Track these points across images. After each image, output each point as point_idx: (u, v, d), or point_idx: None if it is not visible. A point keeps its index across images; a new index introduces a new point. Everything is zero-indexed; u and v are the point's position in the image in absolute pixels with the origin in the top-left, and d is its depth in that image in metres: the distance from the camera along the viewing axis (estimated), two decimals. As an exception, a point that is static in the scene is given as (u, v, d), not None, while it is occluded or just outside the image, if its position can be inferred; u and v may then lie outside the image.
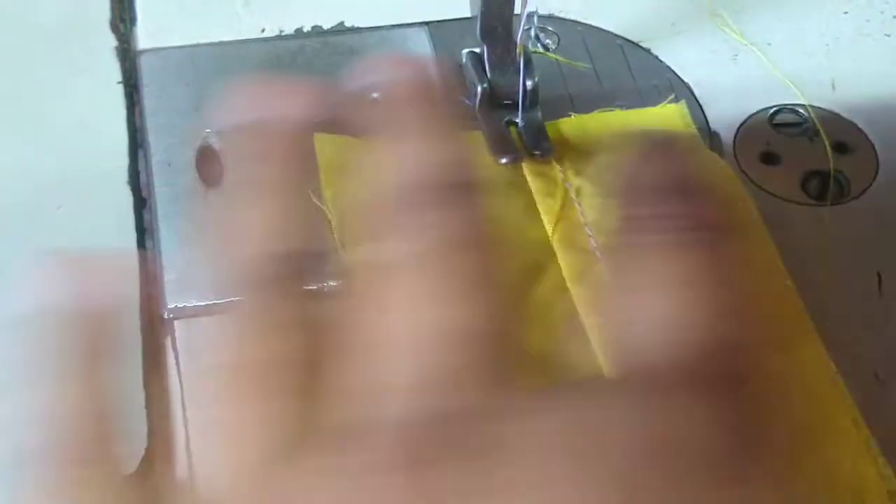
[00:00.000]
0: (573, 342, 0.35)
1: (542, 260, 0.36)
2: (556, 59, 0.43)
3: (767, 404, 0.32)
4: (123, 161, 0.39)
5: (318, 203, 0.38)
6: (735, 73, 0.44)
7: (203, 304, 0.36)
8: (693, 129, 0.41)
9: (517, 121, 0.39)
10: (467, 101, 0.41)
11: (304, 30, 0.44)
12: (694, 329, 0.22)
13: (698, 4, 0.46)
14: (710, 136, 0.41)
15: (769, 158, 0.41)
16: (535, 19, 0.40)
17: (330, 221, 0.37)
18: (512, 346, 0.21)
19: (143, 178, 0.39)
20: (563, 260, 0.36)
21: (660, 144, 0.27)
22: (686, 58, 0.44)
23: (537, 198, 0.38)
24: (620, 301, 0.23)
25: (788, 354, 0.34)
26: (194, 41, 0.43)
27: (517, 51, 0.38)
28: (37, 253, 0.21)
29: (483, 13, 0.37)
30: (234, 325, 0.22)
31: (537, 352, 0.34)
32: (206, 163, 0.40)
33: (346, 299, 0.24)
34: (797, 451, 0.31)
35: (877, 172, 0.41)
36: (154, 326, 0.35)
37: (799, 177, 0.40)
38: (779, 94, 0.43)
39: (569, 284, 0.36)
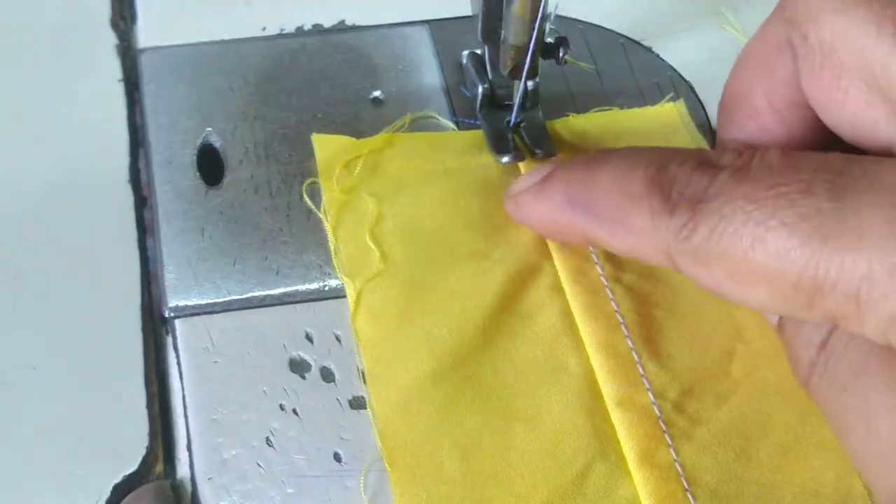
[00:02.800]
0: (564, 340, 0.35)
1: (537, 260, 0.36)
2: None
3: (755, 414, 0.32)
4: (124, 159, 0.39)
5: (309, 202, 0.38)
6: (736, 72, 0.44)
7: (204, 302, 0.36)
8: (692, 125, 0.41)
9: (518, 121, 0.39)
10: (467, 94, 0.41)
11: (305, 28, 0.44)
12: None
13: (699, 2, 0.46)
14: (711, 134, 0.41)
15: (770, 157, 0.41)
16: (539, 19, 0.40)
17: (323, 221, 0.37)
18: None
19: (143, 176, 0.39)
20: (559, 260, 0.36)
21: None
22: (687, 56, 0.44)
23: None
24: None
25: (776, 364, 0.34)
26: (195, 39, 0.43)
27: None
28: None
29: (484, 13, 0.37)
30: None
31: (526, 351, 0.34)
32: (207, 161, 0.40)
33: None
34: (782, 461, 0.32)
35: (878, 171, 0.41)
36: (154, 326, 0.36)
37: (800, 175, 0.40)
38: (780, 93, 0.43)
39: (564, 285, 0.36)
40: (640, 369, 0.34)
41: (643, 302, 0.35)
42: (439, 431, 0.33)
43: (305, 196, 0.38)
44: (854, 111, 0.29)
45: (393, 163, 0.39)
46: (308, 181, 0.38)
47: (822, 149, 0.33)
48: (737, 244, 0.26)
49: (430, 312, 0.35)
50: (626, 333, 0.34)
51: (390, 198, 0.38)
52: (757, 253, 0.26)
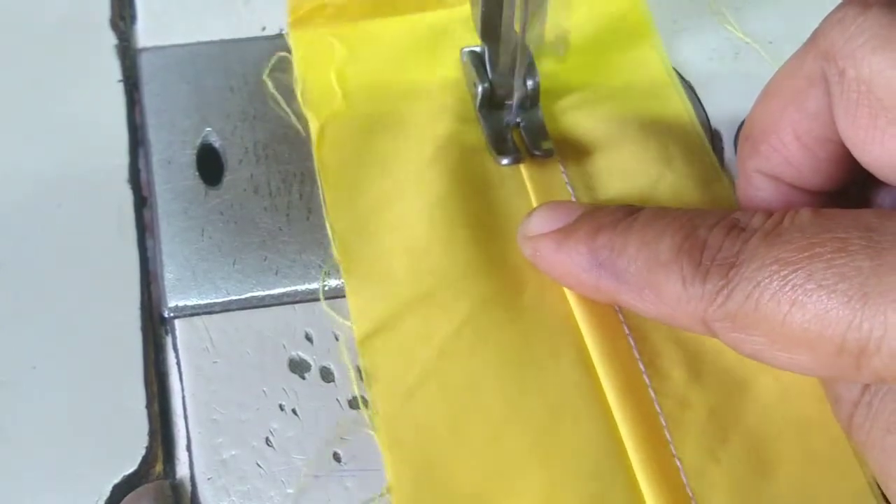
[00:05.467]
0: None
1: None
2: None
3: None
4: (124, 159, 0.39)
5: (273, 90, 0.40)
6: (736, 71, 0.44)
7: (204, 302, 0.36)
8: (648, 12, 0.43)
9: (518, 121, 0.39)
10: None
11: (305, 27, 0.44)
12: None
13: (699, 2, 0.46)
14: (711, 133, 0.41)
15: (770, 156, 0.41)
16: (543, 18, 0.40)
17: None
18: None
19: (143, 176, 0.39)
20: None
21: None
22: (687, 55, 0.44)
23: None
24: None
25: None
26: (195, 39, 0.43)
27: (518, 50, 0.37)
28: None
29: (483, 12, 0.37)
30: None
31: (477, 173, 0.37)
32: (207, 161, 0.40)
33: None
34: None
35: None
36: (154, 326, 0.36)
37: (799, 174, 0.40)
38: (780, 92, 0.43)
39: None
40: None
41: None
42: (392, 242, 0.36)
43: (268, 80, 0.40)
44: (892, 151, 0.28)
45: (361, 9, 0.42)
46: (274, 59, 0.41)
47: (850, 184, 0.32)
48: (775, 309, 0.26)
49: (389, 141, 0.38)
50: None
51: (356, 44, 0.41)
52: (796, 317, 0.26)
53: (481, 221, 0.36)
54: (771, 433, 0.32)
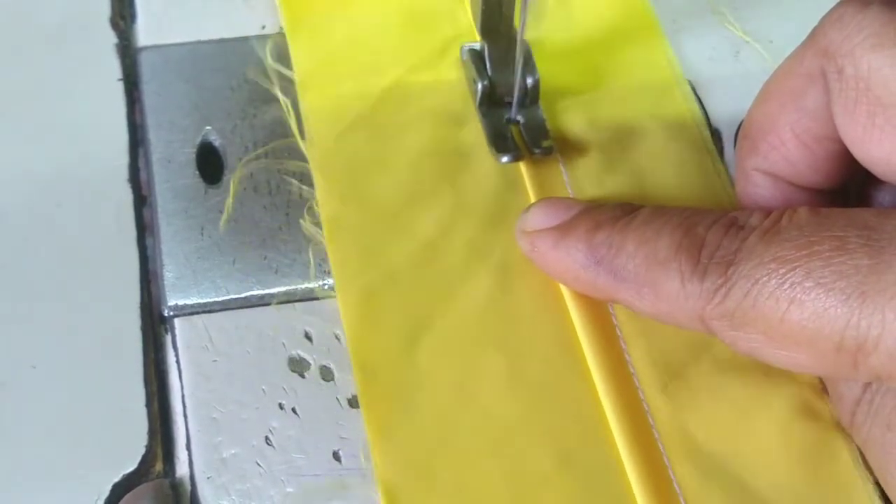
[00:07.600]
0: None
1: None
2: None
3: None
4: (123, 158, 0.39)
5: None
6: (736, 70, 0.44)
7: (203, 301, 0.36)
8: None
9: (518, 118, 0.39)
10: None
11: (305, 27, 0.44)
12: None
13: (699, 2, 0.46)
14: (711, 133, 0.41)
15: (770, 155, 0.41)
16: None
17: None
18: None
19: (143, 175, 0.39)
20: None
21: None
22: (687, 54, 0.44)
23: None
24: None
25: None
26: (195, 38, 0.43)
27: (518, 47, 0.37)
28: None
29: (483, 10, 0.37)
30: None
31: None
32: (207, 160, 0.40)
33: None
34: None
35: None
36: (154, 325, 0.35)
37: (800, 173, 0.40)
38: (780, 91, 0.43)
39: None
40: None
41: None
42: (340, 33, 0.42)
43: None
44: (890, 149, 0.28)
45: None
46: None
47: (848, 182, 0.32)
48: (773, 307, 0.26)
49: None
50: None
51: None
52: (794, 315, 0.26)
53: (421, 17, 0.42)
54: None
